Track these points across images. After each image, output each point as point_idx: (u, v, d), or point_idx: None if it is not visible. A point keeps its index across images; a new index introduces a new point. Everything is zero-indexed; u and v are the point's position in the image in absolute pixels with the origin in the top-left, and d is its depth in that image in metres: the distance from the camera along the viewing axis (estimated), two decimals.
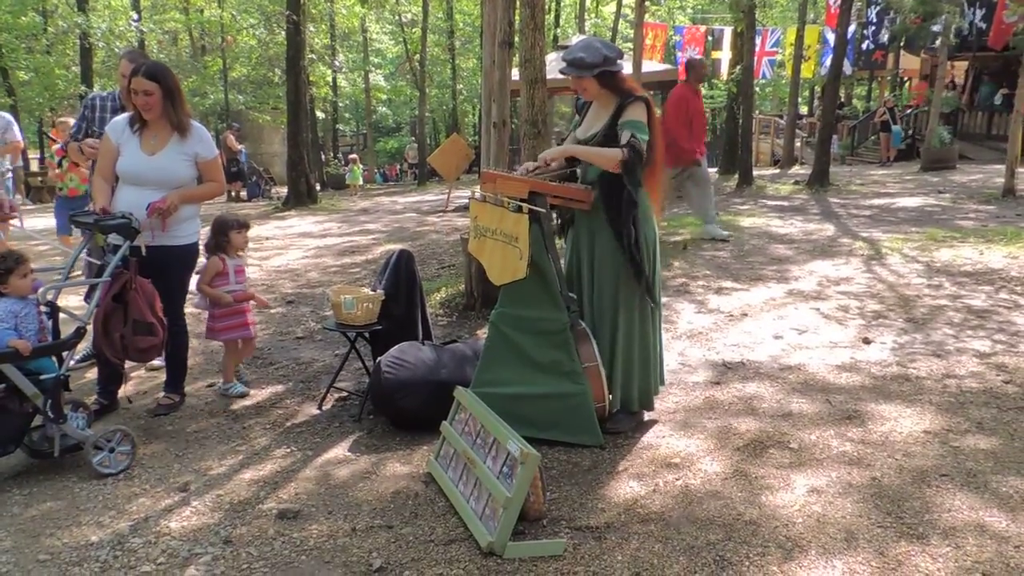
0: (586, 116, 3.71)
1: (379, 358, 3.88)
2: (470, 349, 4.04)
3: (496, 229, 3.53)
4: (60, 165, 6.93)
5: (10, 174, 7.05)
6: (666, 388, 4.11)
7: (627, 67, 10.94)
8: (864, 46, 21.68)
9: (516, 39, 5.82)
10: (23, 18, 21.77)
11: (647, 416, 3.83)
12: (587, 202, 3.56)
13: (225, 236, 4.21)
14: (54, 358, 3.36)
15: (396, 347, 3.91)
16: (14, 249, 3.48)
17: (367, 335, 4.23)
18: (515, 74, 5.75)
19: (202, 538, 2.84)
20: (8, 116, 7.12)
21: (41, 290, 3.38)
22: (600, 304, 3.63)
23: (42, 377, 3.26)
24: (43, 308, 3.40)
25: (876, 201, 11.15)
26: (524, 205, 3.36)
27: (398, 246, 5.05)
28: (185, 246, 3.96)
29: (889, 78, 24.61)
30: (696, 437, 3.59)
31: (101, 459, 3.36)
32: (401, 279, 4.26)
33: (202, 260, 4.24)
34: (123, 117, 3.96)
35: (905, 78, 25.12)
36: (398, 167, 32.57)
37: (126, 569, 2.65)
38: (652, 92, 16.18)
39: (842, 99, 23.99)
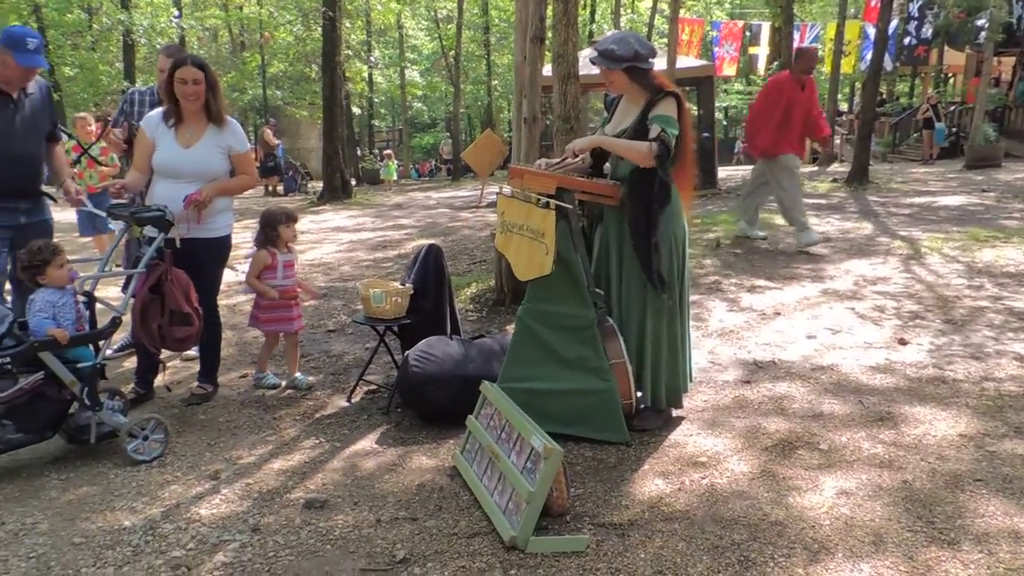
0: (615, 112, 3.69)
1: (407, 352, 3.91)
2: (498, 344, 4.05)
3: (523, 225, 3.53)
4: (78, 162, 6.77)
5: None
6: (695, 386, 4.08)
7: (662, 63, 10.87)
8: (906, 41, 21.24)
9: (549, 35, 5.80)
10: (69, 15, 22.29)
11: (675, 414, 3.80)
12: (615, 198, 3.55)
13: (274, 230, 4.25)
14: (91, 347, 3.44)
15: (424, 341, 3.94)
16: (51, 241, 3.57)
17: (396, 329, 4.26)
18: (548, 70, 5.74)
19: (231, 525, 2.89)
20: None
21: (78, 280, 3.47)
22: (628, 301, 3.61)
23: (79, 365, 3.34)
24: (80, 298, 3.49)
25: (917, 199, 10.93)
26: (551, 201, 3.36)
27: (428, 241, 5.07)
28: (219, 238, 4.02)
29: (932, 74, 24.07)
30: (724, 436, 3.56)
31: (135, 446, 3.44)
32: (430, 274, 4.29)
33: (251, 250, 4.29)
34: (157, 112, 4.03)
35: (949, 74, 24.56)
36: (430, 163, 32.71)
37: (157, 553, 2.70)
38: (687, 88, 16.00)
39: (883, 95, 23.55)
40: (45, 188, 4.18)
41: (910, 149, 20.35)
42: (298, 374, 4.42)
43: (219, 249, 4.07)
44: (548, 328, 3.54)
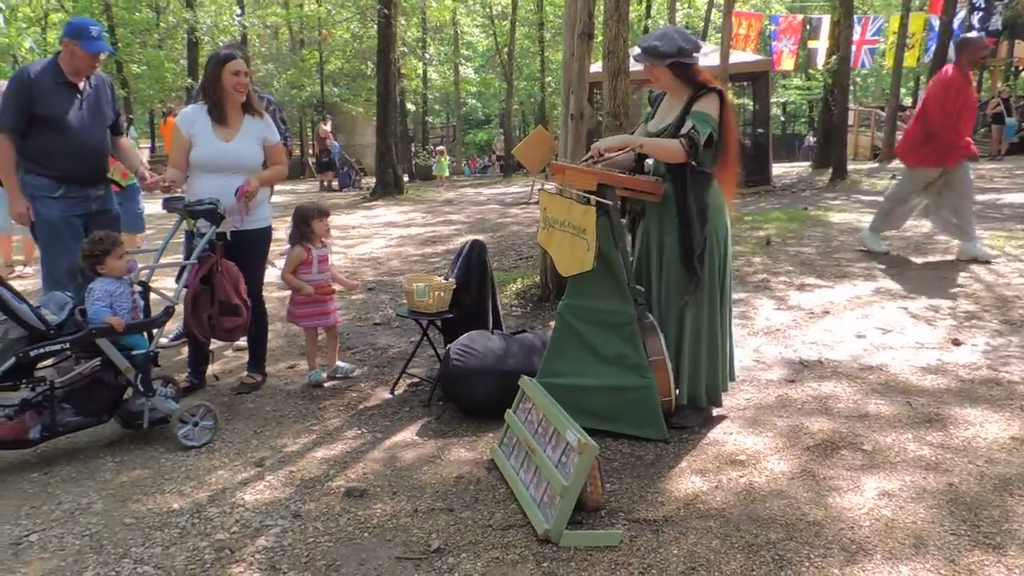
0: (658, 109, 3.68)
1: (449, 346, 3.96)
2: (539, 339, 4.07)
3: (564, 220, 3.54)
4: None
5: None
6: (738, 385, 4.04)
7: (715, 58, 10.73)
8: (974, 32, 20.50)
9: (598, 32, 5.78)
10: (137, 14, 23.05)
11: (715, 412, 3.77)
12: (657, 194, 3.53)
13: (307, 226, 4.33)
14: (145, 335, 3.58)
15: (465, 335, 3.98)
16: (112, 232, 3.71)
17: (439, 323, 4.32)
18: (600, 66, 5.71)
19: (273, 511, 2.98)
20: None
21: (135, 271, 3.60)
22: (668, 298, 3.60)
23: (134, 352, 3.47)
24: (136, 288, 3.63)
25: (980, 197, 10.54)
26: (592, 197, 3.36)
27: (472, 237, 5.11)
28: (262, 229, 4.14)
29: (1002, 67, 23.21)
30: (765, 435, 3.52)
31: (186, 432, 3.56)
32: (473, 269, 4.33)
33: (285, 247, 4.40)
34: (191, 108, 4.12)
35: (1020, 67, 23.65)
36: (478, 160, 32.87)
37: (202, 536, 2.80)
38: (744, 83, 15.71)
39: None
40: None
41: (977, 144, 19.68)
42: (339, 363, 4.51)
43: (262, 240, 4.18)
44: (588, 324, 3.55)
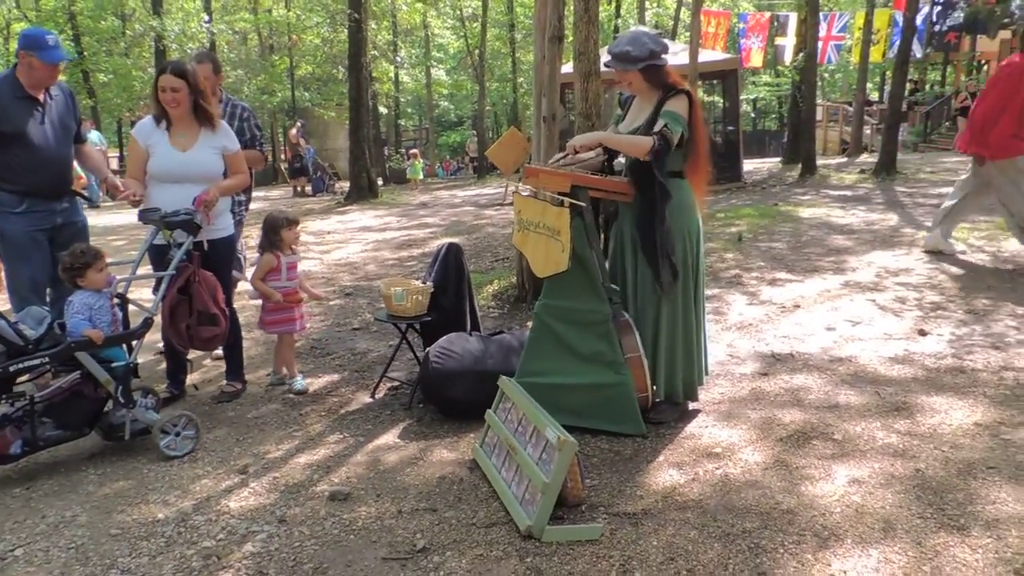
0: (629, 110, 3.75)
1: (428, 348, 4.00)
2: (516, 340, 4.13)
3: (539, 223, 3.61)
4: None
5: None
6: (712, 379, 4.13)
7: (684, 57, 10.86)
8: (937, 28, 20.87)
9: (569, 33, 5.84)
10: (103, 22, 22.81)
11: (691, 406, 3.86)
12: (629, 195, 3.61)
13: (276, 234, 4.36)
14: (124, 347, 3.59)
15: (444, 338, 4.03)
16: (93, 245, 3.72)
17: (417, 326, 4.36)
18: (571, 67, 5.78)
19: (259, 517, 3.01)
20: None
21: (113, 284, 3.61)
22: (643, 296, 3.67)
23: (113, 365, 3.48)
24: (115, 300, 3.63)
25: (945, 189, 10.73)
26: (565, 199, 3.43)
27: (448, 240, 5.16)
28: (225, 238, 4.14)
29: (964, 61, 23.65)
30: (739, 427, 3.61)
31: (168, 442, 3.58)
32: (450, 272, 4.38)
33: (256, 256, 4.42)
34: (148, 119, 4.07)
35: (982, 61, 24.11)
36: (452, 163, 32.88)
37: (189, 544, 2.83)
38: (713, 82, 15.87)
39: (915, 83, 23.19)
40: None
41: (942, 138, 20.05)
42: (298, 377, 4.52)
43: (226, 249, 4.18)
44: (564, 323, 3.62)
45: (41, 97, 4.07)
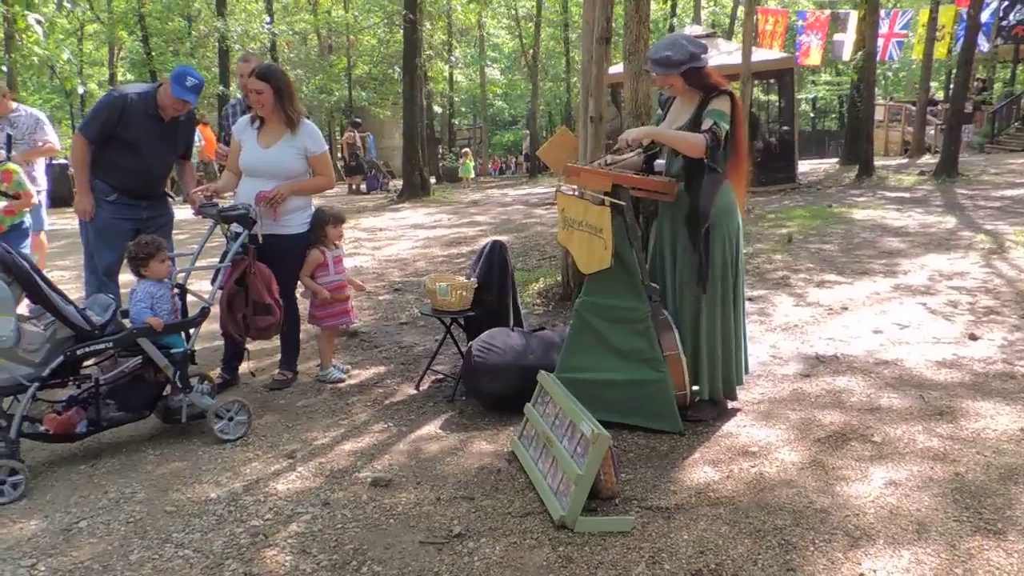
0: (669, 111, 3.79)
1: (471, 343, 4.10)
2: (557, 336, 4.20)
3: (582, 220, 3.68)
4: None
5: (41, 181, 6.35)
6: (753, 379, 4.14)
7: (737, 57, 10.75)
8: (1004, 23, 20.15)
9: (620, 33, 5.86)
10: (170, 24, 23.57)
11: (731, 405, 3.87)
12: (671, 193, 3.65)
13: (321, 230, 4.51)
14: (182, 334, 3.77)
15: (487, 332, 4.13)
16: (156, 237, 3.91)
17: (461, 321, 4.47)
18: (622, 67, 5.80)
19: (304, 499, 3.14)
20: (39, 114, 6.34)
21: (174, 274, 3.80)
22: (682, 294, 3.71)
23: (172, 351, 3.67)
24: (175, 290, 3.82)
25: (1009, 192, 10.49)
26: (607, 198, 3.49)
27: (493, 238, 5.25)
28: (294, 235, 4.31)
29: None
30: (777, 427, 3.62)
31: (221, 426, 3.75)
32: (494, 268, 4.47)
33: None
34: (246, 117, 4.40)
35: None
36: (501, 162, 33.05)
37: (238, 522, 2.98)
38: (769, 81, 15.61)
39: (983, 82, 22.45)
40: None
41: (1011, 139, 19.37)
42: (334, 365, 4.67)
43: (295, 245, 4.35)
44: (604, 320, 3.67)
45: (167, 118, 4.42)
